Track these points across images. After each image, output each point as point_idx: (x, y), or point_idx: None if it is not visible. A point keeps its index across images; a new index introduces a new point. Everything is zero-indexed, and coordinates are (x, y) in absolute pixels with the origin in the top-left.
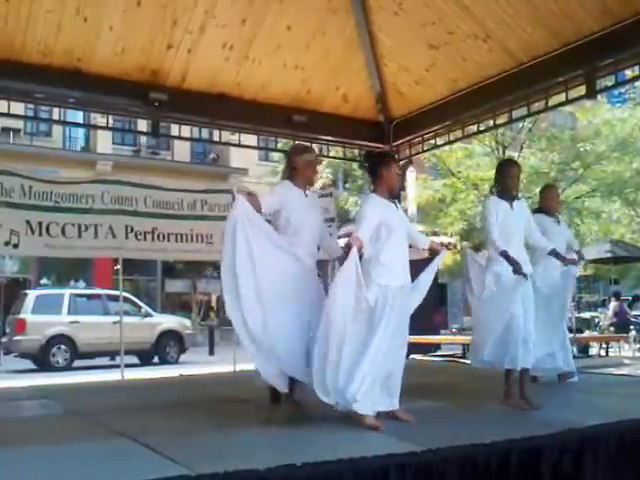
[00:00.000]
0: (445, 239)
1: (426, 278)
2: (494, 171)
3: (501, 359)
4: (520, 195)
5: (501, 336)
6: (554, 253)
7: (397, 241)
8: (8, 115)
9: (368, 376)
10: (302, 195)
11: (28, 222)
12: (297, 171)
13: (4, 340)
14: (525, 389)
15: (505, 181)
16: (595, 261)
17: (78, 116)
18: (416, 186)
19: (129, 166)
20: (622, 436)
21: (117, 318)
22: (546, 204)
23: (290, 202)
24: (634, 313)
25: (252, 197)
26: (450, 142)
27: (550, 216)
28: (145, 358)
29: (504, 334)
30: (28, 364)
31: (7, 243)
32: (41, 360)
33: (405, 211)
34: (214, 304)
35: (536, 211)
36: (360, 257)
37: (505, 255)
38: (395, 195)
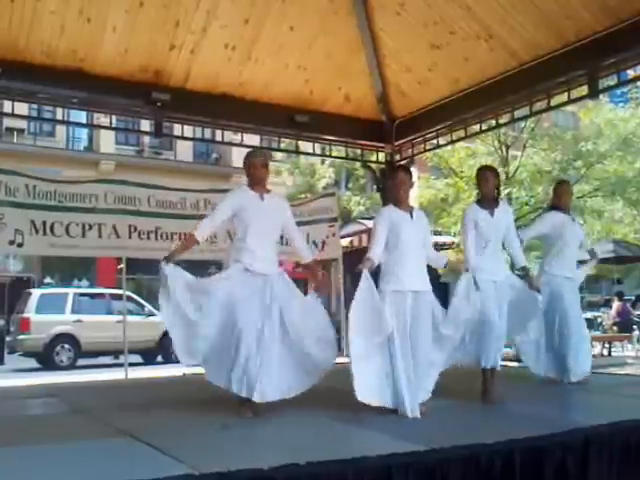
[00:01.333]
0: (448, 239)
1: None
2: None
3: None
4: (524, 194)
5: (474, 338)
6: (524, 271)
7: (405, 249)
8: (12, 115)
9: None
10: (257, 199)
11: (32, 221)
12: (247, 177)
13: (8, 339)
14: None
15: (482, 188)
16: (598, 261)
17: (81, 116)
18: (418, 186)
19: (132, 166)
20: (627, 436)
21: (120, 317)
22: (560, 201)
23: (243, 206)
24: (637, 313)
25: (179, 245)
26: (452, 142)
27: (565, 213)
28: (149, 357)
29: (478, 336)
30: (32, 363)
31: (12, 242)
32: (45, 359)
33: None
34: None
35: (551, 208)
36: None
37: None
38: (408, 204)
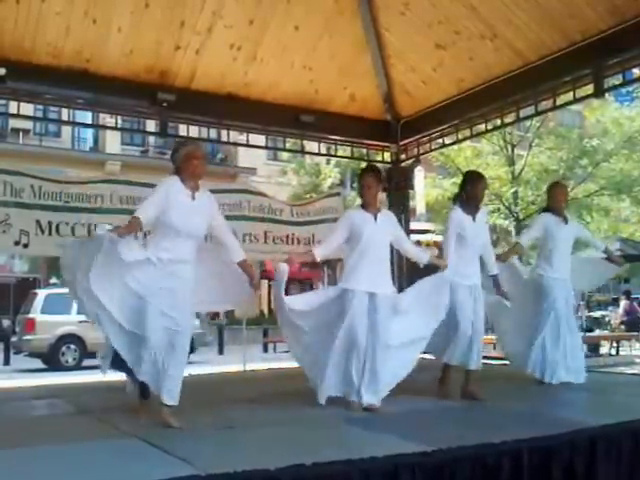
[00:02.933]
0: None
1: (437, 301)
2: (461, 181)
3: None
4: (530, 193)
5: (447, 333)
6: (495, 279)
7: (366, 250)
8: (18, 116)
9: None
10: (188, 196)
11: (38, 222)
12: (180, 170)
13: (14, 339)
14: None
15: (471, 194)
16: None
17: (87, 117)
18: (424, 185)
19: (137, 166)
20: (635, 436)
21: None
22: (553, 203)
23: (171, 202)
24: None
25: (129, 224)
26: (458, 141)
27: (557, 215)
28: None
29: (451, 333)
30: (37, 363)
31: (17, 243)
32: (50, 359)
33: (413, 210)
34: None
35: (543, 210)
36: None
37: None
38: (375, 207)
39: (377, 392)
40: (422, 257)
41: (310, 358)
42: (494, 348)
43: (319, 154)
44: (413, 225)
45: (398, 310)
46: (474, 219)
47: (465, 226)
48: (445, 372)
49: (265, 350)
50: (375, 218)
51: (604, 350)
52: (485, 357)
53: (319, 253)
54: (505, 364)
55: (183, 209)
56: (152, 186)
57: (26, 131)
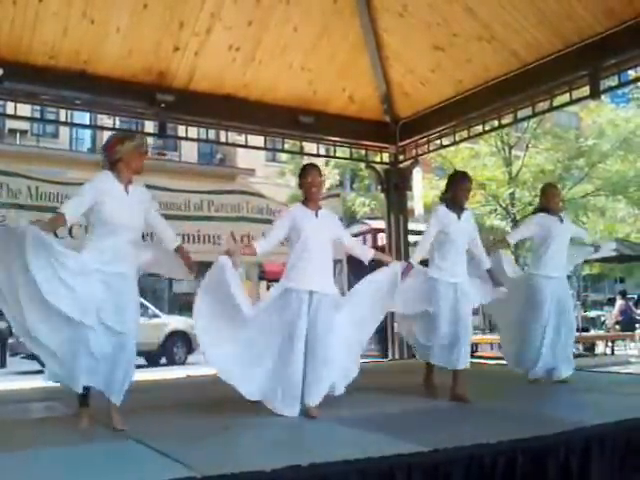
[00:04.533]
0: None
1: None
2: (447, 181)
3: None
4: (527, 194)
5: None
6: (490, 272)
7: (306, 247)
8: (15, 117)
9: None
10: (122, 191)
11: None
12: (122, 162)
13: (11, 341)
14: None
15: (456, 194)
16: (601, 260)
17: (85, 117)
18: (422, 186)
19: None
20: (629, 435)
21: None
22: (548, 203)
23: (105, 198)
24: None
25: (51, 220)
26: (456, 142)
27: (553, 215)
28: (152, 359)
29: (431, 332)
30: (34, 365)
31: None
32: None
33: (412, 211)
34: None
35: (539, 210)
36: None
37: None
38: (316, 204)
39: (319, 394)
40: (366, 254)
41: (241, 354)
42: (491, 348)
43: (318, 155)
44: (411, 226)
45: (340, 308)
46: (459, 217)
47: (449, 223)
48: (427, 372)
49: None
50: (316, 215)
51: (599, 350)
52: (482, 357)
53: (260, 246)
54: (502, 364)
55: (118, 202)
56: (150, 187)
57: (23, 132)
